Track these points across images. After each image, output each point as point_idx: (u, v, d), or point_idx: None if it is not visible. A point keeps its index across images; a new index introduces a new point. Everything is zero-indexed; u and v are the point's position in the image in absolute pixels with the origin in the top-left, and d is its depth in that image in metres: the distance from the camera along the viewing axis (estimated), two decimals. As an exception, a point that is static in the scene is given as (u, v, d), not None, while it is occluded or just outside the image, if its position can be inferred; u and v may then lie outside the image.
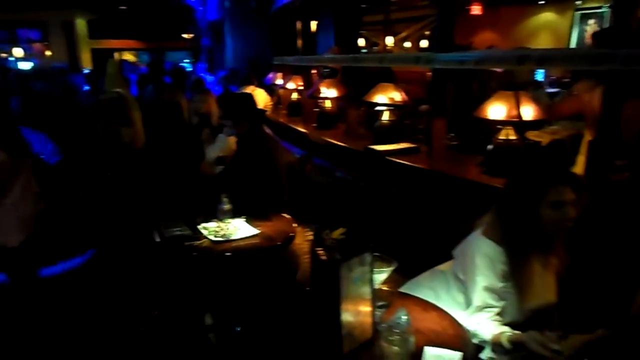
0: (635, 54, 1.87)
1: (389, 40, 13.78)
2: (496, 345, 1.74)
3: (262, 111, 6.24)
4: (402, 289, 2.15)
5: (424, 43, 13.08)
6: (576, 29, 11.01)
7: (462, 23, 12.15)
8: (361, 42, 14.69)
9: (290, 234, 2.70)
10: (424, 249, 2.43)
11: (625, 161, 2.74)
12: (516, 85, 2.52)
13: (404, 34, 14.16)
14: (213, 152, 3.75)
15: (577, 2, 10.68)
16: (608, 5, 10.45)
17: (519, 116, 2.41)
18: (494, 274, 1.80)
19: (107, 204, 2.77)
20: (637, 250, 1.85)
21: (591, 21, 10.77)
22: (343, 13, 5.21)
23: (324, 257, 1.41)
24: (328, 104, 4.53)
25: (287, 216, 2.96)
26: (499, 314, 1.83)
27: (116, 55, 17.46)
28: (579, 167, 2.85)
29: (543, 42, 11.42)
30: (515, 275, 1.81)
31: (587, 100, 2.87)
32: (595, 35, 3.41)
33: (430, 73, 3.11)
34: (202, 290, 2.88)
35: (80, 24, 17.83)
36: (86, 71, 9.95)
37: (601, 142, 2.23)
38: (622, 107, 2.18)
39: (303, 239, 3.04)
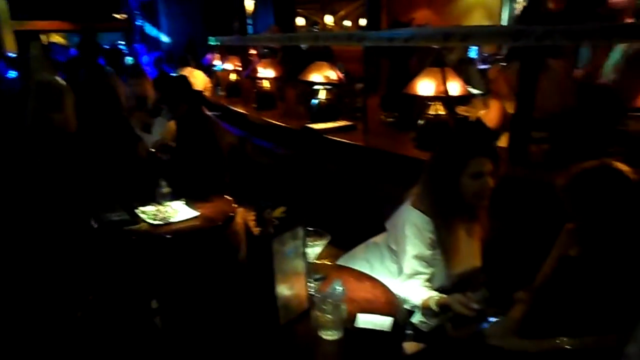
0: (548, 30, 1.99)
1: (329, 19, 13.78)
2: (426, 309, 1.85)
3: (200, 93, 6.18)
4: (339, 262, 2.23)
5: (363, 21, 13.17)
6: (506, 6, 11.42)
7: (402, 1, 12.36)
8: (301, 21, 14.64)
9: (231, 214, 2.71)
10: (360, 223, 2.51)
11: (547, 133, 2.92)
12: (442, 62, 2.62)
13: (343, 13, 14.18)
14: (152, 136, 3.68)
15: None
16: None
17: (446, 92, 2.51)
18: (422, 242, 1.90)
19: (40, 192, 2.69)
20: (551, 219, 1.98)
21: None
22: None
23: (256, 233, 1.45)
24: (266, 84, 4.52)
25: (228, 197, 2.96)
26: (428, 280, 1.94)
27: (43, 38, 16.50)
28: (503, 141, 3.02)
29: (476, 19, 11.72)
30: (442, 243, 1.92)
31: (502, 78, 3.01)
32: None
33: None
34: (145, 274, 2.86)
35: (0, 4, 16.72)
36: (11, 55, 9.39)
37: (518, 116, 2.37)
38: (538, 81, 2.33)
39: (245, 219, 3.07)
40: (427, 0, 12.47)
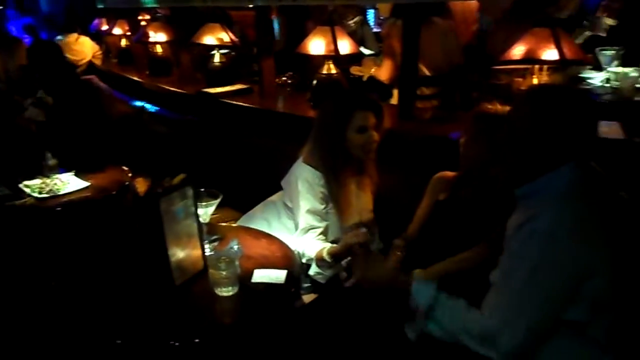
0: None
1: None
2: (320, 260, 1.92)
3: (89, 62, 5.79)
4: (238, 223, 2.25)
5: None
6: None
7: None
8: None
9: (126, 183, 2.62)
10: (260, 184, 2.53)
11: (436, 89, 3.09)
12: (333, 21, 2.66)
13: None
14: (31, 107, 3.41)
15: None
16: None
17: (337, 50, 2.56)
18: (314, 197, 1.97)
19: None
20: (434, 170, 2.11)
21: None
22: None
23: (142, 192, 1.42)
24: (159, 49, 4.32)
25: (124, 167, 2.85)
26: (323, 233, 2.01)
27: None
28: (394, 99, 3.16)
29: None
30: (334, 196, 2.00)
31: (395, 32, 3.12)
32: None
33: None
34: (37, 249, 2.71)
35: None
36: None
37: (404, 72, 2.48)
38: (424, 39, 2.44)
39: (145, 188, 2.98)
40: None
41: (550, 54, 1.97)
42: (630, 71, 2.76)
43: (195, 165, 3.06)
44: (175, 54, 4.29)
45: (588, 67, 2.90)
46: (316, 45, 2.60)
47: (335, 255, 1.86)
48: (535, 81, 2.09)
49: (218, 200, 1.77)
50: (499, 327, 1.21)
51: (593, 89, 2.81)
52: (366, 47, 4.20)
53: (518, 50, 2.02)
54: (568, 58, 1.96)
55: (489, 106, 1.75)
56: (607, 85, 2.81)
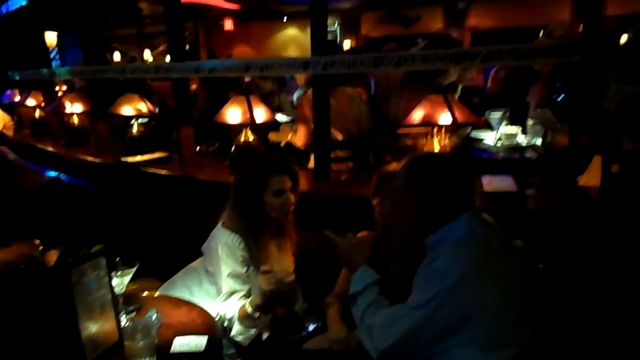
0: (330, 60, 2.27)
1: (147, 54, 13.47)
2: (245, 318, 1.92)
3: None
4: (159, 291, 2.21)
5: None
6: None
7: (220, 37, 12.69)
8: (117, 56, 14.06)
9: (34, 256, 2.50)
10: (182, 251, 2.51)
11: (350, 152, 3.26)
12: (247, 90, 2.79)
13: (161, 48, 13.99)
14: None
15: None
16: (337, 23, 12.20)
17: (252, 119, 2.68)
18: (235, 261, 1.99)
19: None
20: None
21: (329, 35, 12.32)
22: (89, 26, 4.92)
23: (50, 264, 1.39)
24: (75, 119, 4.27)
25: (35, 240, 2.73)
26: (245, 296, 2.02)
27: None
28: (311, 163, 3.29)
29: (292, 53, 12.64)
30: (255, 259, 2.03)
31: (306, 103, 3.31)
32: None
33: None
34: None
35: None
36: None
37: (317, 137, 2.63)
38: (338, 107, 2.62)
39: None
40: (245, 37, 13.03)
41: (444, 118, 2.19)
42: (518, 130, 3.09)
43: (114, 235, 3.00)
44: (92, 124, 4.25)
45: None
46: (233, 113, 2.70)
47: (259, 306, 1.87)
48: (435, 142, 2.30)
49: (134, 270, 1.75)
50: (381, 326, 1.47)
51: (488, 147, 3.10)
52: (283, 114, 4.39)
53: (417, 116, 2.23)
54: (460, 121, 2.18)
55: (391, 167, 1.91)
56: (499, 143, 3.13)
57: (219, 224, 2.08)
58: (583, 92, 2.06)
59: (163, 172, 3.07)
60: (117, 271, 1.70)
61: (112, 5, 8.34)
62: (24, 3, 4.52)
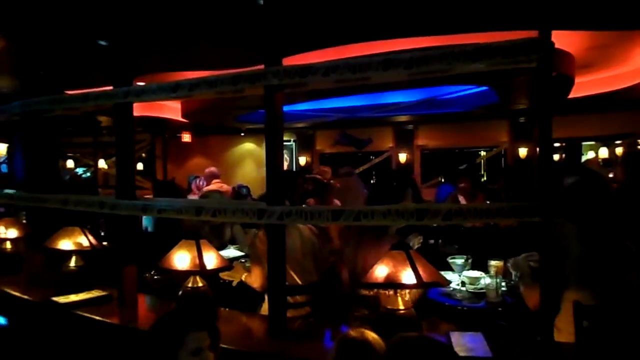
0: (289, 210, 2.16)
1: (102, 163, 13.29)
2: None
3: None
4: None
5: (140, 166, 13.09)
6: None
7: (177, 149, 12.74)
8: (71, 163, 13.80)
9: None
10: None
11: (305, 297, 3.06)
12: (198, 235, 2.61)
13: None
14: None
15: None
16: (293, 139, 12.56)
17: (202, 265, 2.47)
18: None
19: None
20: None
21: (283, 151, 12.66)
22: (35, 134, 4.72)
23: None
24: (8, 245, 3.93)
25: None
26: None
27: None
28: (266, 304, 3.06)
29: (248, 167, 12.78)
30: None
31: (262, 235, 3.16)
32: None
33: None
34: None
35: None
36: None
37: (273, 283, 2.43)
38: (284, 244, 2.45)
39: None
40: (202, 149, 13.15)
41: (408, 276, 2.06)
42: (482, 276, 3.00)
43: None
44: (26, 253, 3.90)
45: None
46: (181, 258, 2.49)
47: None
48: (399, 299, 2.15)
49: None
50: None
51: (452, 293, 2.99)
52: (236, 248, 4.20)
53: (379, 273, 2.09)
54: (425, 281, 2.06)
55: (353, 333, 1.71)
56: (464, 288, 3.02)
57: None
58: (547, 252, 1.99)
59: (98, 317, 2.75)
60: None
61: (71, 117, 8.29)
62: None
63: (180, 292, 2.60)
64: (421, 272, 2.06)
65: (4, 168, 9.71)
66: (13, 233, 3.90)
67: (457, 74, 2.04)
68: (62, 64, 4.77)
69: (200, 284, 2.58)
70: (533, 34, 1.86)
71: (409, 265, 2.07)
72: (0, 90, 6.21)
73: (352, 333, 1.66)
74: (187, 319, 1.80)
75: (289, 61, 2.28)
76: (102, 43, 3.59)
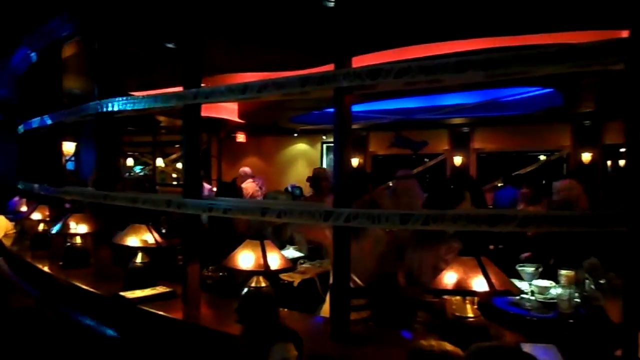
0: (356, 212, 2.14)
1: (159, 161, 13.74)
2: None
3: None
4: None
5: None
6: (325, 157, 12.84)
7: (231, 148, 13.00)
8: (130, 161, 14.35)
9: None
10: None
11: (366, 300, 3.02)
12: (262, 235, 2.63)
13: (174, 156, 14.30)
14: None
15: (323, 137, 12.59)
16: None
17: (267, 266, 2.49)
18: None
19: None
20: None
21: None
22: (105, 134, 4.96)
23: None
24: (78, 240, 4.11)
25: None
26: None
27: None
28: (326, 305, 3.05)
29: (300, 167, 12.85)
30: None
31: (328, 233, 3.15)
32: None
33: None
34: None
35: None
36: None
37: (337, 284, 2.41)
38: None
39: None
40: (256, 149, 13.34)
41: (479, 283, 1.99)
42: (553, 286, 2.87)
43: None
44: (95, 247, 4.06)
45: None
46: (245, 258, 2.52)
47: None
48: (468, 306, 2.09)
49: None
50: None
51: (520, 302, 2.87)
52: (295, 247, 4.21)
53: (448, 280, 2.04)
54: (497, 288, 1.99)
55: (424, 343, 1.67)
56: (533, 298, 2.90)
57: None
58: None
59: (162, 313, 2.82)
60: None
61: (133, 117, 8.64)
62: (49, 122, 4.57)
63: (243, 292, 2.63)
64: (493, 279, 1.99)
65: (71, 165, 10.21)
66: (83, 228, 4.07)
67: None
68: (129, 66, 4.96)
69: (263, 284, 2.60)
70: (602, 34, 1.77)
71: (481, 272, 2.00)
72: (72, 92, 6.55)
73: (428, 342, 1.62)
74: (274, 330, 1.81)
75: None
76: (170, 46, 3.69)
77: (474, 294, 2.01)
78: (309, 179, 5.73)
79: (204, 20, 2.82)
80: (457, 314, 2.10)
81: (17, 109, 7.09)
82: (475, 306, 2.10)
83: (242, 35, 3.97)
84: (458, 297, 2.10)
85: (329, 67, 2.27)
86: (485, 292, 1.98)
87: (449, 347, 1.58)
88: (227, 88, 2.55)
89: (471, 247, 2.19)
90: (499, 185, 10.20)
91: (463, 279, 2.02)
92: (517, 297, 2.90)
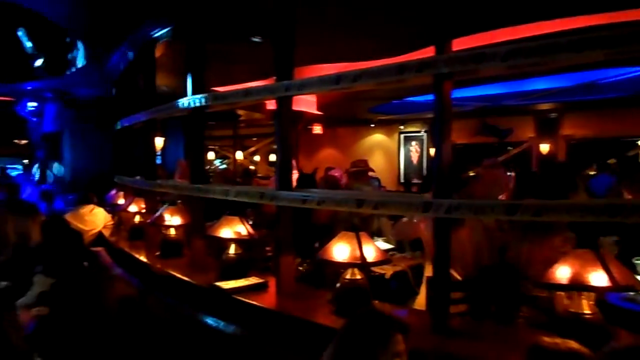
0: (458, 203, 2.04)
1: (239, 155, 14.14)
2: None
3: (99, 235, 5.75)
4: None
5: (272, 157, 13.73)
6: (402, 148, 12.63)
7: (308, 140, 13.12)
8: (211, 155, 14.89)
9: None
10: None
11: (463, 294, 2.92)
12: (357, 227, 2.60)
13: (253, 149, 14.69)
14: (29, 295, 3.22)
15: (401, 127, 12.38)
16: (424, 130, 12.23)
17: (362, 257, 2.45)
18: None
19: None
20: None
21: (414, 142, 12.50)
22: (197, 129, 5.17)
23: None
24: (172, 231, 4.29)
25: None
26: None
27: None
28: (421, 297, 2.98)
29: (377, 158, 12.74)
30: None
31: (423, 227, 3.08)
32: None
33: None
34: None
35: None
36: None
37: (437, 277, 2.33)
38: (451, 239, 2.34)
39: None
40: (332, 140, 13.39)
41: (598, 278, 1.84)
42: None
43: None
44: (189, 238, 4.23)
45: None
46: (340, 250, 2.50)
47: None
48: (584, 302, 1.94)
49: None
50: None
51: (637, 298, 2.66)
52: (383, 239, 4.16)
53: (562, 274, 1.90)
54: (620, 283, 1.83)
55: (547, 339, 1.55)
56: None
57: None
58: None
59: (256, 303, 2.87)
60: None
61: (214, 112, 8.94)
62: (142, 118, 4.81)
63: (338, 284, 2.62)
64: (615, 273, 1.83)
65: (158, 159, 10.72)
66: (177, 220, 4.24)
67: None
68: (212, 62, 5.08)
69: (358, 277, 2.57)
70: None
71: (600, 266, 1.85)
72: (161, 90, 6.85)
73: (552, 340, 1.51)
74: (393, 320, 1.78)
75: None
76: (256, 40, 3.74)
77: (592, 289, 1.86)
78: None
79: (296, 10, 2.80)
80: (572, 310, 1.96)
81: (111, 107, 7.52)
82: (592, 302, 1.95)
83: (332, 23, 3.93)
84: (572, 292, 1.96)
85: (407, 57, 2.18)
86: (605, 288, 1.83)
87: (575, 345, 1.46)
88: (320, 79, 2.53)
89: (584, 239, 2.03)
90: (592, 173, 9.56)
91: (579, 273, 1.88)
92: (632, 293, 2.68)
